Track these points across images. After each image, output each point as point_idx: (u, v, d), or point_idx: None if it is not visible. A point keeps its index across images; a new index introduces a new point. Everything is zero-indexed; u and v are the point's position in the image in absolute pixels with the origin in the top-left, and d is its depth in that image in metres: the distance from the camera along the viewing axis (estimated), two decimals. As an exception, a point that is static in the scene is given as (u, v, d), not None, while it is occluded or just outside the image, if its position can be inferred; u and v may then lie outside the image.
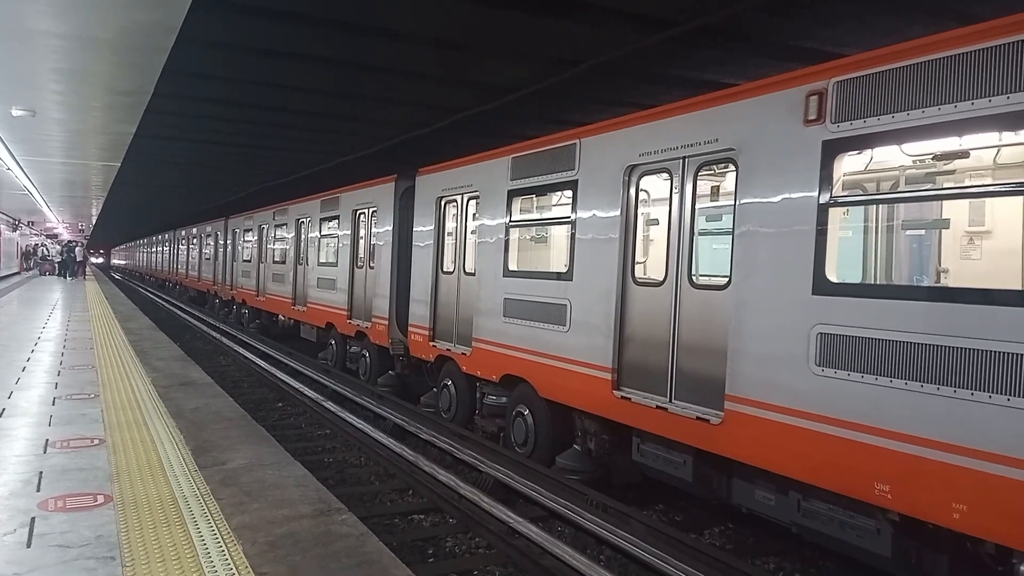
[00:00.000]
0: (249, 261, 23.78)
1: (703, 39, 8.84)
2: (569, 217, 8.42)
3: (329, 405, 12.01)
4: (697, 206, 7.00)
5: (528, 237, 10.03)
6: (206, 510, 4.68)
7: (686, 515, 7.87)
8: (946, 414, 4.66)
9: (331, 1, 8.40)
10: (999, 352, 4.40)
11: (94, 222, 49.62)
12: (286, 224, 20.10)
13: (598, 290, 7.82)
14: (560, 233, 9.43)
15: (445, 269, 11.50)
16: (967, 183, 6.12)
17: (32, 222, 47.74)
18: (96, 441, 6.27)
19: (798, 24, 8.47)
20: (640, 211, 7.67)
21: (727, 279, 6.44)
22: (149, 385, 9.02)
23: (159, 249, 50.98)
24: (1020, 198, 5.48)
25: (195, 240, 34.27)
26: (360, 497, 7.95)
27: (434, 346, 11.36)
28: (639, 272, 7.70)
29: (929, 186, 6.22)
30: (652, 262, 8.00)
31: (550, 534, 6.59)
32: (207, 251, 31.19)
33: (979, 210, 6.39)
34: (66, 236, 55.87)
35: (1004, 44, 4.54)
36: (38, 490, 5.01)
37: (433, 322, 11.52)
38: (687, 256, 6.91)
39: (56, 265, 42.71)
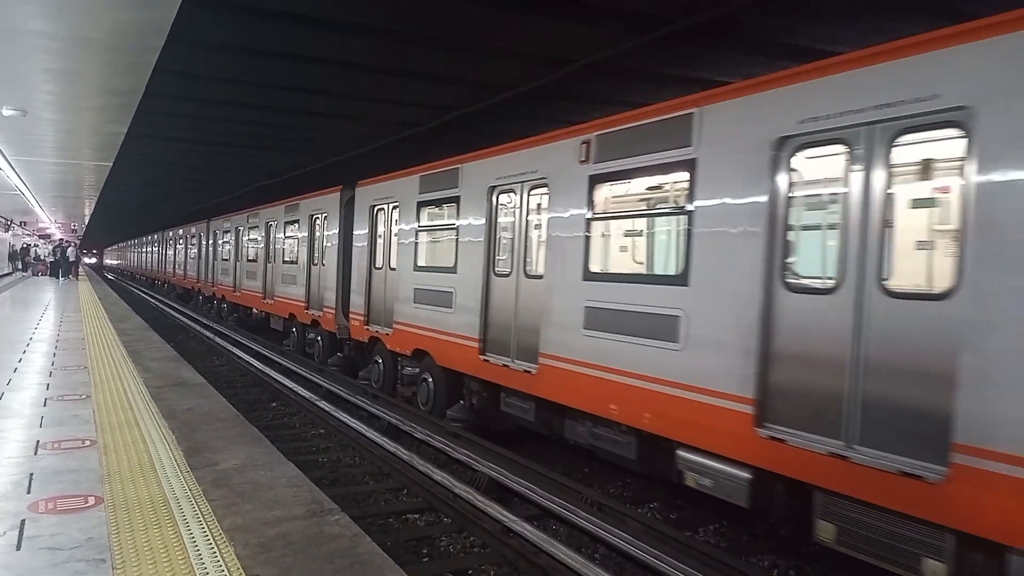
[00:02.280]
0: (227, 260, 26.09)
1: (695, 38, 8.85)
2: (454, 224, 10.76)
3: (323, 405, 11.98)
4: (528, 217, 9.38)
5: (430, 239, 12.07)
6: (198, 511, 4.65)
7: (681, 513, 7.87)
8: (639, 355, 7.21)
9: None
10: (664, 315, 6.93)
11: (87, 222, 49.46)
12: (258, 226, 22.23)
13: (472, 281, 10.19)
14: (450, 236, 11.12)
15: (376, 265, 13.76)
16: (650, 206, 8.75)
17: (24, 222, 47.53)
18: (87, 442, 6.23)
19: (791, 22, 8.48)
20: (498, 221, 9.95)
21: (543, 272, 8.86)
22: (141, 386, 8.97)
23: (148, 249, 53.88)
24: (674, 217, 7.92)
25: (180, 241, 36.96)
26: (354, 497, 7.93)
27: (367, 329, 13.69)
28: (498, 267, 9.92)
29: (635, 207, 8.89)
30: (503, 260, 9.92)
31: (545, 533, 6.58)
32: (191, 251, 33.67)
33: (662, 223, 8.90)
34: (59, 236, 55.66)
35: (665, 119, 7.13)
36: (28, 492, 4.97)
37: (367, 310, 13.83)
38: (522, 255, 9.40)
39: (49, 265, 42.50)
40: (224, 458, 5.92)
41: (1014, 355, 4.45)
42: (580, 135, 8.22)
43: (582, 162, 8.12)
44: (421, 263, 11.85)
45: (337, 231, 15.75)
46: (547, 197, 8.83)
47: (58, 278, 37.86)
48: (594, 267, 8.03)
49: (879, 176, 5.32)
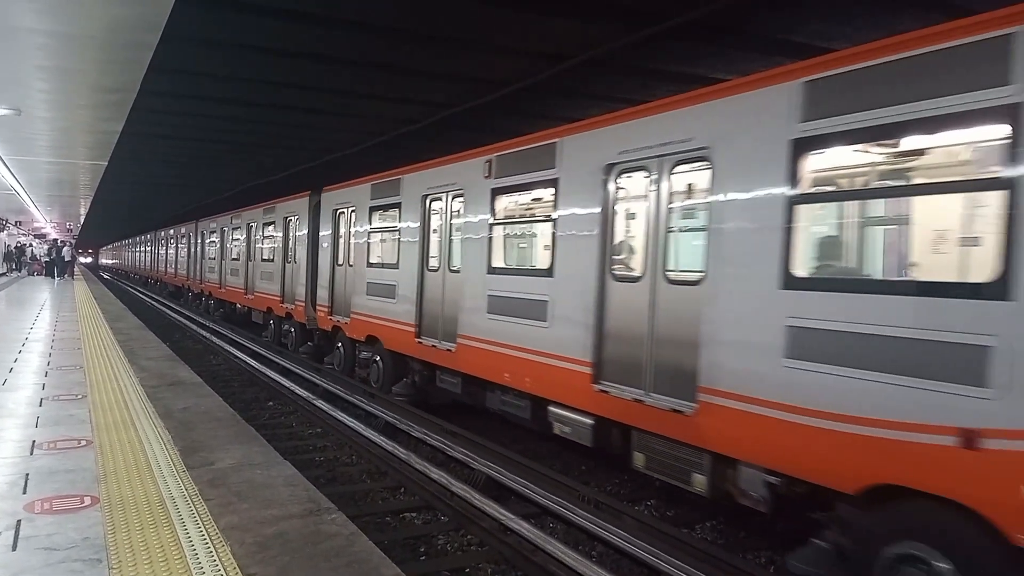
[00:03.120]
0: (213, 259, 27.94)
1: (692, 33, 8.84)
2: (397, 227, 12.48)
3: (320, 404, 11.97)
4: (452, 221, 10.89)
5: (379, 239, 13.67)
6: (194, 511, 4.63)
7: (678, 510, 7.87)
8: (522, 333, 8.85)
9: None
10: (537, 300, 8.64)
11: (82, 221, 49.35)
12: (240, 227, 23.88)
13: (411, 275, 11.85)
14: (394, 237, 12.76)
15: (338, 263, 15.34)
16: (531, 214, 10.00)
17: (20, 222, 47.37)
18: (83, 442, 6.21)
19: (786, 18, 8.48)
20: (430, 224, 11.58)
21: (460, 267, 10.50)
22: (137, 385, 8.95)
23: (141, 249, 56.34)
24: (546, 223, 8.97)
25: (171, 241, 38.97)
26: (352, 496, 7.92)
27: (331, 319, 15.39)
28: (430, 263, 11.57)
29: (523, 215, 10.17)
30: (434, 257, 11.56)
31: (542, 531, 6.58)
32: (181, 250, 35.65)
33: (538, 227, 10.16)
34: (54, 236, 55.51)
35: (539, 145, 8.83)
36: (24, 492, 4.95)
37: (331, 302, 15.52)
38: (447, 252, 11.05)
39: (44, 265, 42.33)
40: (220, 457, 5.91)
41: (728, 323, 6.20)
42: (485, 155, 9.90)
43: (486, 177, 9.81)
44: (372, 260, 13.74)
45: (306, 232, 17.54)
46: (463, 204, 10.48)
47: (54, 278, 37.76)
48: (495, 263, 9.77)
49: (664, 194, 7.12)
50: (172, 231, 38.19)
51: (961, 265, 5.29)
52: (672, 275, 7.00)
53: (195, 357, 17.25)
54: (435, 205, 11.47)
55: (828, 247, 6.40)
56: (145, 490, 5.02)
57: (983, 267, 4.68)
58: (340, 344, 15.08)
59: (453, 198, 10.85)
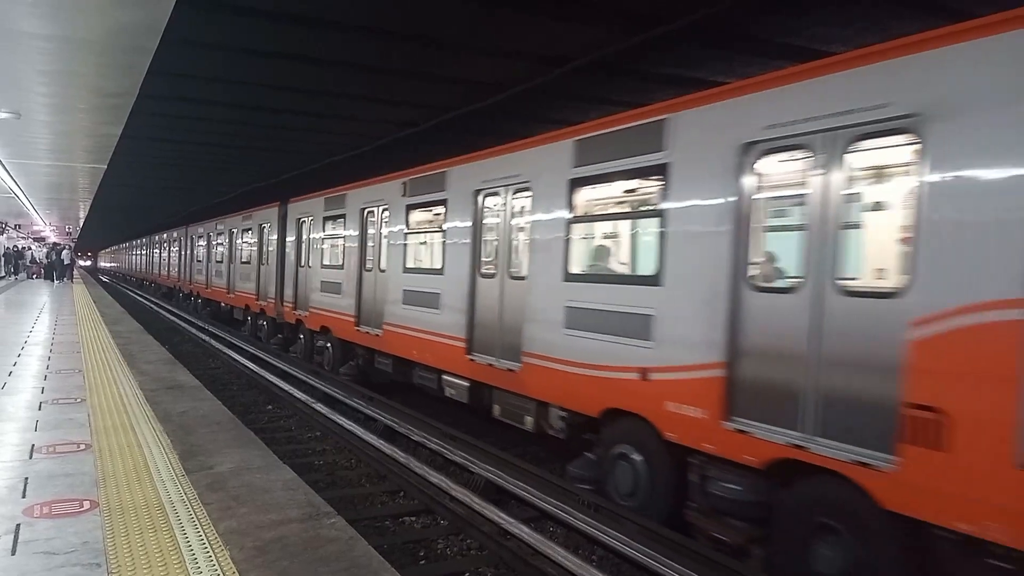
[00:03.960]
0: (201, 261, 30.71)
1: (691, 37, 8.85)
2: (342, 234, 15.09)
3: (319, 407, 11.94)
4: (380, 229, 13.37)
5: (330, 245, 16.09)
6: (193, 515, 4.63)
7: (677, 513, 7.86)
8: (424, 319, 11.26)
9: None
10: (433, 292, 11.06)
11: (81, 225, 49.33)
12: (224, 233, 26.27)
13: (352, 274, 14.39)
14: (340, 242, 15.42)
15: (300, 264, 17.76)
16: (428, 225, 12.18)
17: (19, 225, 47.33)
18: (82, 446, 6.20)
19: (785, 22, 8.48)
20: (367, 231, 14.01)
21: (386, 267, 13.01)
22: (136, 389, 8.94)
23: (138, 252, 59.72)
24: (436, 232, 11.70)
25: (164, 244, 42.12)
26: (351, 500, 7.91)
27: (295, 313, 17.84)
28: (366, 265, 14.01)
29: (425, 227, 12.30)
30: (371, 259, 13.83)
31: (542, 535, 6.56)
32: (173, 254, 38.59)
33: (431, 236, 12.30)
34: (53, 239, 55.46)
35: (437, 172, 11.27)
36: (23, 496, 4.94)
37: (295, 299, 17.96)
38: (378, 255, 13.44)
39: (43, 268, 42.24)
40: (219, 461, 5.90)
41: (537, 306, 8.68)
42: (402, 178, 12.41)
43: (403, 196, 12.36)
44: (324, 262, 16.20)
45: (276, 237, 19.87)
46: (389, 216, 12.93)
47: (52, 281, 37.72)
48: (408, 263, 12.31)
49: (508, 213, 9.59)
50: (165, 235, 41.20)
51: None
52: (513, 272, 9.50)
53: (194, 360, 17.24)
54: (370, 217, 13.93)
55: (585, 253, 8.81)
56: (144, 494, 5.01)
57: (650, 266, 7.24)
58: (301, 335, 17.68)
59: (382, 211, 13.28)
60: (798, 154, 5.81)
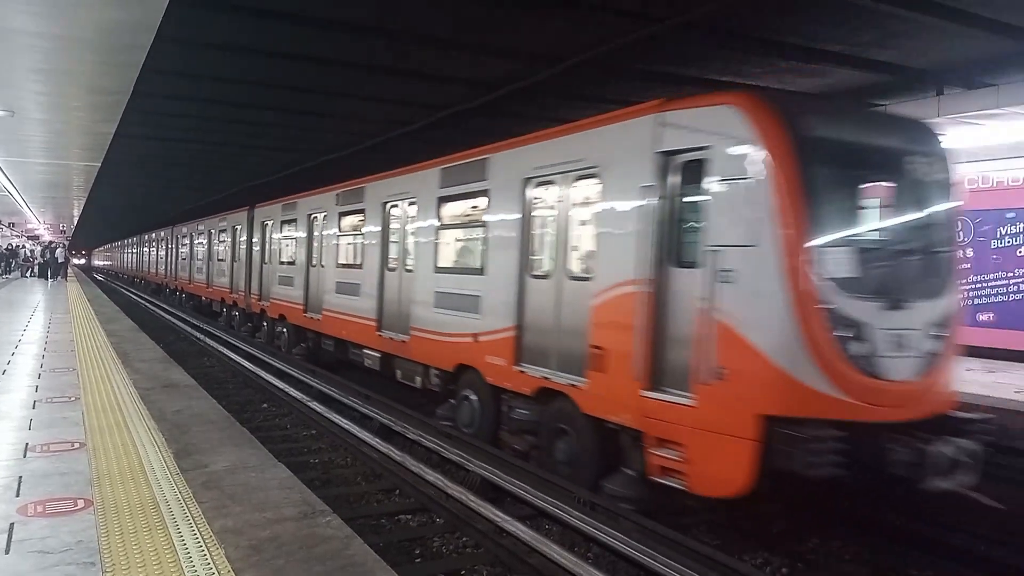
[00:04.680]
0: (185, 259, 33.49)
1: (686, 35, 8.84)
2: (295, 235, 17.78)
3: (314, 405, 11.92)
4: (320, 232, 16.19)
5: (285, 245, 18.74)
6: (188, 514, 4.62)
7: (674, 512, 7.86)
8: (349, 304, 13.95)
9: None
10: (355, 283, 13.91)
11: (75, 223, 49.18)
12: (204, 233, 29.05)
13: (302, 269, 16.88)
14: (294, 243, 17.93)
15: (265, 261, 20.39)
16: (356, 229, 14.72)
17: (13, 223, 47.13)
18: (77, 445, 6.18)
19: (781, 21, 8.48)
20: (313, 234, 16.62)
21: (325, 264, 15.70)
22: (131, 387, 8.92)
23: (129, 251, 62.37)
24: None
25: (153, 243, 44.83)
26: (346, 498, 7.89)
27: (259, 304, 20.37)
28: (312, 261, 16.53)
29: (352, 230, 14.94)
30: (316, 257, 16.42)
31: (538, 532, 6.55)
32: (161, 252, 41.38)
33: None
34: (48, 237, 55.24)
35: (359, 187, 14.23)
36: (17, 495, 4.93)
37: (260, 291, 20.37)
38: (320, 254, 16.05)
39: (37, 265, 42.02)
40: (214, 460, 5.89)
41: (417, 291, 11.27)
42: (336, 190, 15.22)
43: (336, 205, 15.19)
44: (282, 259, 18.83)
45: (245, 238, 22.41)
46: (325, 222, 15.91)
47: (46, 279, 37.58)
48: (340, 260, 15.05)
49: (386, 221, 12.89)
50: (154, 234, 44.24)
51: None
52: (409, 265, 11.89)
53: (189, 359, 17.18)
54: (315, 222, 16.57)
55: (447, 251, 11.06)
56: (139, 493, 5.00)
57: (477, 261, 10.02)
58: (265, 323, 20.32)
59: (323, 217, 16.09)
60: (550, 187, 8.56)
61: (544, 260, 8.68)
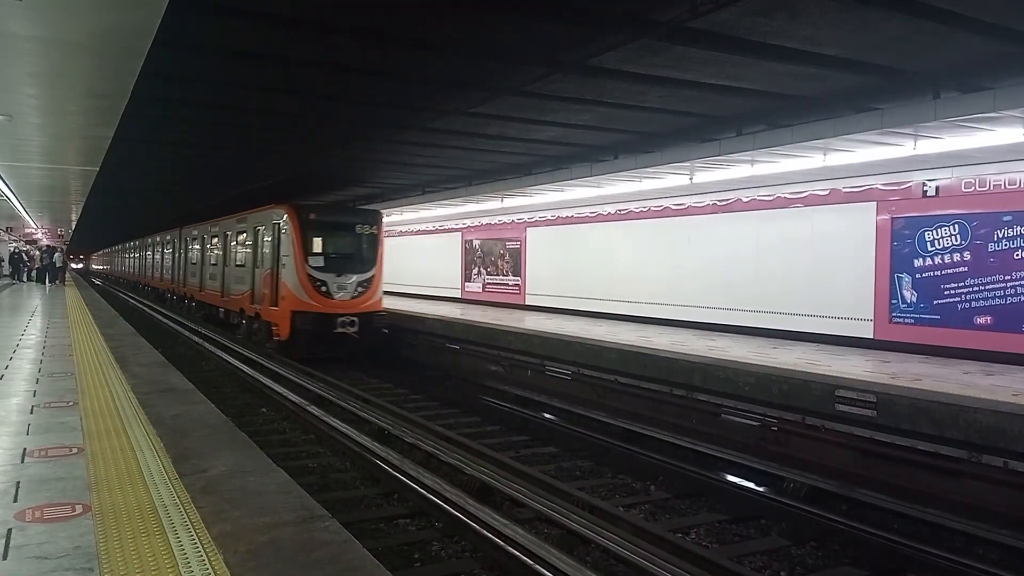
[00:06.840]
0: (168, 263, 37.36)
1: (682, 38, 8.83)
2: (254, 244, 23.36)
3: (313, 409, 11.93)
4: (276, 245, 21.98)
5: (242, 251, 24.49)
6: (186, 519, 4.60)
7: (672, 515, 7.88)
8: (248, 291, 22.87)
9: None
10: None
11: (73, 228, 49.12)
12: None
13: (248, 272, 23.30)
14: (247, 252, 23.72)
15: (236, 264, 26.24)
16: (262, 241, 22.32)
17: (10, 228, 47.05)
18: (75, 450, 6.17)
19: (778, 23, 8.49)
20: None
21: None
22: (129, 392, 8.89)
23: (123, 256, 66.17)
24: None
25: (147, 248, 47.44)
26: (345, 503, 7.90)
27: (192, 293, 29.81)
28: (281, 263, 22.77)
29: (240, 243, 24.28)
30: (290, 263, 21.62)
31: (537, 536, 6.56)
32: (155, 256, 43.87)
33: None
34: (45, 242, 55.13)
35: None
36: (15, 500, 4.91)
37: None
38: (261, 260, 22.92)
39: (35, 272, 41.92)
40: (213, 464, 5.87)
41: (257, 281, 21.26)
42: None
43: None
44: (236, 263, 24.40)
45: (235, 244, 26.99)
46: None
47: (45, 284, 37.51)
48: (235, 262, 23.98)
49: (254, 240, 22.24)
50: (148, 239, 46.58)
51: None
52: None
53: (187, 363, 17.17)
54: (282, 233, 20.78)
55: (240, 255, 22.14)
56: (137, 498, 4.99)
57: (269, 264, 20.16)
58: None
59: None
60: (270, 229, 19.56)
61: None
